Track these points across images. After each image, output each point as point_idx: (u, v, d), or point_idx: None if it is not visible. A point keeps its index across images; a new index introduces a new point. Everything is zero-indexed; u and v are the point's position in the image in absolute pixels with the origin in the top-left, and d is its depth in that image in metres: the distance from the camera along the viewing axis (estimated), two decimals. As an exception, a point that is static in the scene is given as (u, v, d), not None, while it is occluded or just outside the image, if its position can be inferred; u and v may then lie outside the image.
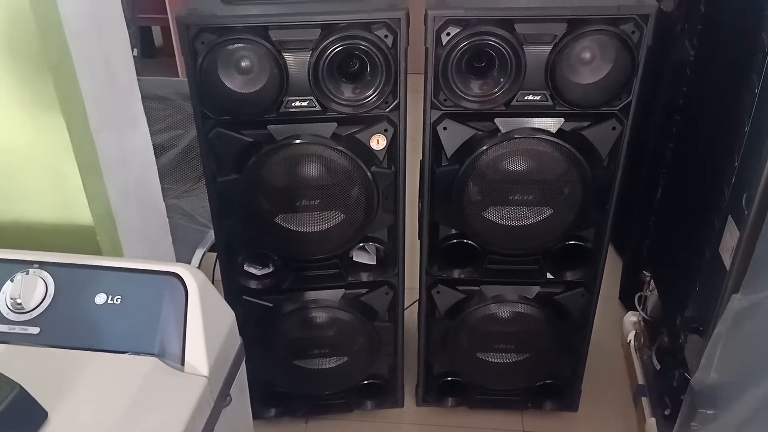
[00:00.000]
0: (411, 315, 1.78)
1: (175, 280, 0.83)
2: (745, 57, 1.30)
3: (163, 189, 1.69)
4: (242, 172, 1.42)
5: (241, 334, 1.67)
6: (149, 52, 3.57)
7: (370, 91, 1.36)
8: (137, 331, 0.82)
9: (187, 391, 0.78)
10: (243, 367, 0.96)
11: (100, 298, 0.83)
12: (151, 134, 1.72)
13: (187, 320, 0.82)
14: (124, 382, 0.78)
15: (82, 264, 0.85)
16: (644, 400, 1.79)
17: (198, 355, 0.81)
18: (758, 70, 1.25)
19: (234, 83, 1.31)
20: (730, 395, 1.26)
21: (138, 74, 1.24)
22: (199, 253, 1.82)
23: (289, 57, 1.32)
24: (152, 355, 0.80)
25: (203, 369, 0.81)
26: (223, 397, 0.86)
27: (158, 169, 1.72)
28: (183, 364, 0.81)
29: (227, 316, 0.91)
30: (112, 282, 0.84)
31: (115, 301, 0.82)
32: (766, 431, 1.11)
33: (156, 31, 3.66)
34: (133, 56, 3.01)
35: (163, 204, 1.24)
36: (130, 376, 0.78)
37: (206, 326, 0.82)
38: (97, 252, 0.99)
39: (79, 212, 0.96)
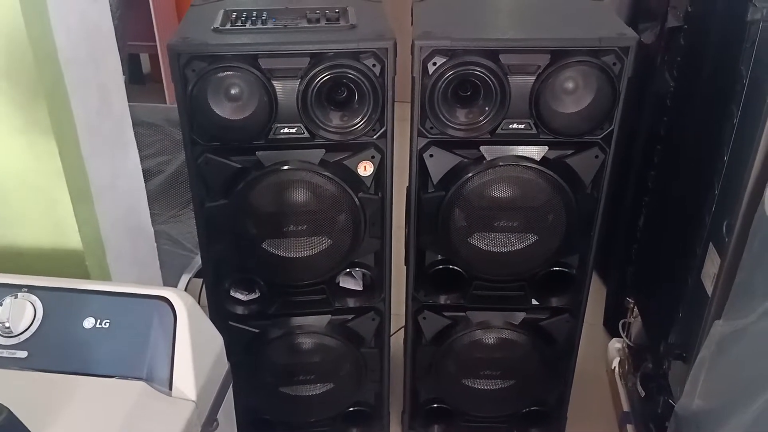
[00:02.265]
0: (397, 341, 1.79)
1: (163, 304, 0.83)
2: (724, 88, 1.34)
3: (150, 214, 1.68)
4: (230, 197, 1.43)
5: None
6: (137, 79, 3.59)
7: (358, 119, 1.38)
8: (125, 356, 0.81)
9: (174, 416, 0.78)
10: (230, 391, 0.96)
11: (89, 322, 0.83)
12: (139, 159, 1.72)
13: (175, 344, 0.82)
14: (112, 407, 0.77)
15: (70, 288, 0.85)
16: (629, 427, 1.80)
17: (186, 380, 0.81)
18: (737, 100, 1.29)
19: (223, 110, 1.33)
20: (714, 422, 1.27)
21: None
22: (185, 279, 1.81)
23: (278, 85, 1.34)
24: (140, 379, 0.80)
25: (191, 393, 0.81)
26: (210, 422, 0.85)
27: (145, 194, 1.71)
28: (171, 388, 0.81)
29: (216, 340, 0.91)
30: (101, 306, 0.84)
31: (103, 325, 0.82)
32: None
33: (144, 58, 3.68)
34: (122, 83, 3.01)
35: (152, 229, 1.24)
36: (118, 400, 0.78)
37: (194, 350, 0.82)
38: (86, 276, 0.99)
39: (69, 237, 0.96)
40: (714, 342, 1.29)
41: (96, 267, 1.00)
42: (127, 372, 0.81)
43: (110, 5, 3.03)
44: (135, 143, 1.16)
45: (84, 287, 0.85)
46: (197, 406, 0.81)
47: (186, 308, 0.84)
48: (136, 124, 1.89)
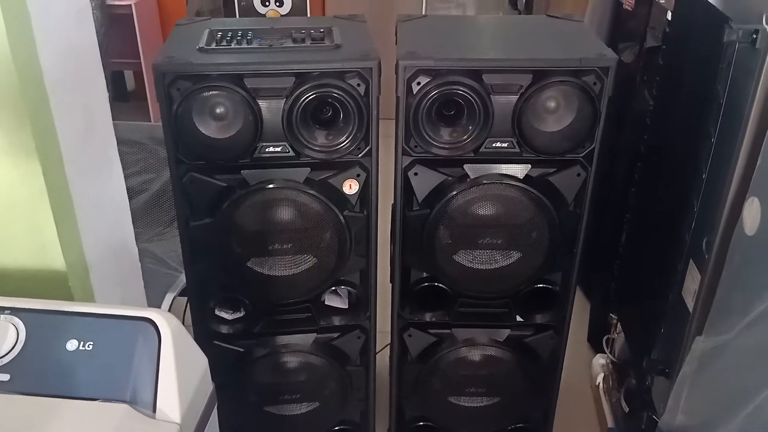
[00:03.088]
0: (383, 359, 1.78)
1: (148, 326, 0.83)
2: (702, 108, 1.36)
3: (134, 233, 1.68)
4: (215, 216, 1.43)
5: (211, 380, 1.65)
6: (121, 96, 3.58)
7: (343, 138, 1.39)
8: (109, 378, 0.81)
9: (158, 439, 0.77)
10: (215, 412, 0.95)
11: (72, 344, 0.82)
12: (124, 178, 1.72)
13: (159, 366, 0.81)
14: (96, 430, 0.77)
15: (53, 310, 0.84)
16: (614, 443, 1.80)
17: (170, 402, 0.81)
18: (714, 120, 1.32)
19: (208, 129, 1.33)
20: (697, 436, 1.28)
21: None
22: (169, 298, 1.80)
23: (263, 104, 1.34)
24: (124, 402, 0.80)
25: (175, 416, 0.81)
26: (195, 444, 0.85)
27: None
28: (155, 410, 0.80)
29: (200, 361, 0.91)
30: (84, 328, 0.83)
31: (86, 347, 0.82)
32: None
33: (128, 75, 3.68)
34: (106, 100, 2.99)
35: (136, 248, 1.24)
36: (101, 423, 0.77)
37: (179, 372, 0.82)
38: (70, 297, 0.98)
39: (53, 258, 0.95)
40: (695, 358, 1.30)
41: (79, 288, 1.00)
42: (111, 394, 0.80)
43: (94, 23, 3.04)
44: (119, 163, 1.16)
45: (67, 309, 0.85)
46: (181, 429, 0.81)
47: (170, 329, 0.84)
48: (121, 142, 1.89)
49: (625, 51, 2.08)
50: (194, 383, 0.87)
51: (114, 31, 3.13)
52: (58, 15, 0.97)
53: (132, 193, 1.93)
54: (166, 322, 0.84)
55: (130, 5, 3.14)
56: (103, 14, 3.01)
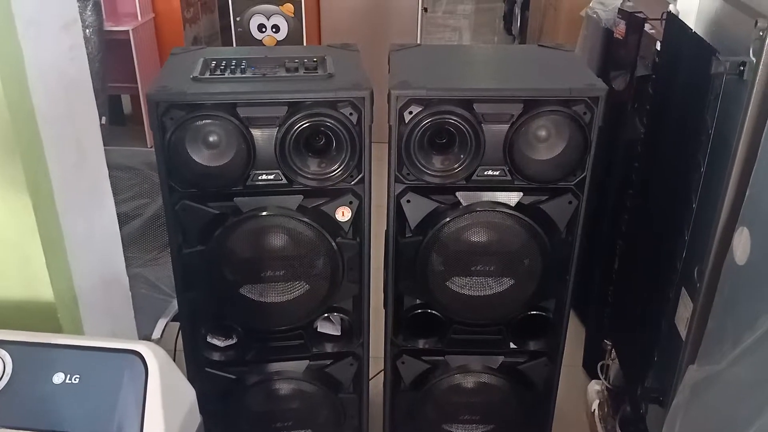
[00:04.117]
0: (376, 386, 1.77)
1: (135, 358, 0.83)
2: (691, 138, 1.37)
3: (127, 258, 1.68)
4: (208, 243, 1.43)
5: (203, 407, 1.64)
6: (118, 120, 3.60)
7: (336, 166, 1.40)
8: (95, 412, 0.80)
9: (143, 474, 0.77)
10: (202, 445, 0.95)
11: (59, 378, 0.82)
12: (117, 203, 1.72)
13: (146, 399, 0.81)
14: (80, 465, 0.76)
15: (41, 342, 0.84)
16: (609, 471, 1.79)
17: (156, 436, 0.80)
18: (703, 151, 1.33)
19: (201, 157, 1.34)
20: (690, 467, 1.27)
21: (106, 143, 1.26)
22: (161, 324, 1.80)
23: (256, 132, 1.35)
24: (109, 436, 0.79)
25: (161, 450, 0.80)
26: (181, 479, 0.84)
27: (123, 238, 1.72)
28: (140, 445, 0.80)
29: (188, 394, 0.90)
30: (71, 360, 0.83)
31: (73, 381, 0.81)
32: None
33: (125, 99, 3.70)
34: (102, 124, 3.04)
35: (127, 279, 1.24)
36: (86, 458, 0.77)
37: (165, 405, 0.82)
38: (58, 330, 0.98)
39: (42, 291, 0.95)
40: (688, 387, 1.30)
41: (68, 320, 1.00)
42: (96, 429, 0.80)
43: (91, 47, 3.06)
44: (111, 195, 1.17)
45: (55, 341, 0.85)
46: (167, 463, 0.80)
47: (158, 362, 0.84)
48: (115, 167, 1.90)
49: (616, 79, 2.10)
50: (181, 416, 0.86)
51: (111, 56, 3.16)
52: (51, 51, 0.98)
53: (126, 218, 1.93)
54: (153, 355, 0.84)
55: (127, 30, 3.18)
56: (101, 39, 3.04)
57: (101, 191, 1.13)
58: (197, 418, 0.92)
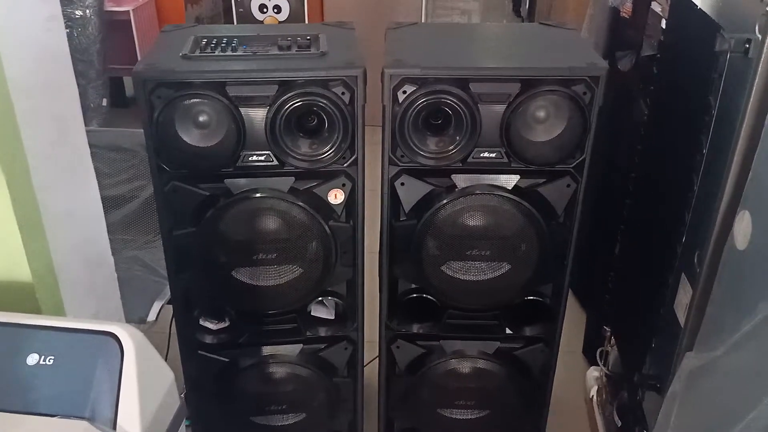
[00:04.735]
0: (371, 370, 1.76)
1: (111, 340, 0.81)
2: (694, 118, 1.34)
3: (123, 240, 1.67)
4: (199, 225, 1.41)
5: (196, 390, 1.64)
6: (120, 102, 3.58)
7: (327, 147, 1.37)
8: (69, 394, 0.79)
9: (117, 457, 0.75)
10: (183, 428, 0.93)
11: (32, 359, 0.80)
12: (113, 186, 1.71)
13: (121, 382, 0.79)
14: (52, 448, 0.75)
15: (14, 323, 0.83)
16: (607, 458, 1.77)
17: (131, 419, 0.79)
18: (706, 131, 1.29)
19: (191, 137, 1.31)
20: (686, 455, 1.25)
21: (107, 125, 1.24)
22: (157, 306, 1.79)
23: (246, 112, 1.33)
24: (83, 418, 0.78)
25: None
26: (158, 462, 0.83)
27: (119, 221, 1.70)
28: (115, 427, 0.78)
29: (166, 376, 0.89)
30: (46, 342, 0.81)
31: (47, 362, 0.80)
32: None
33: (127, 81, 3.68)
34: (103, 106, 3.02)
35: (112, 260, 1.22)
36: (58, 441, 0.76)
37: (142, 388, 0.80)
38: (37, 310, 0.97)
39: (19, 270, 0.94)
40: (685, 374, 1.27)
41: (48, 300, 0.98)
42: (70, 411, 0.78)
43: (92, 28, 3.03)
44: (93, 173, 1.14)
45: (28, 322, 0.83)
46: (142, 446, 0.79)
47: (134, 344, 0.82)
48: (110, 149, 1.88)
49: (622, 59, 2.06)
50: (158, 399, 0.85)
51: (112, 37, 3.13)
52: (25, 21, 0.95)
53: (122, 200, 1.92)
54: (129, 337, 0.82)
55: (128, 11, 3.15)
56: (101, 20, 3.01)
57: (83, 169, 1.11)
58: (176, 401, 0.90)
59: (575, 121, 1.37)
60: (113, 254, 1.42)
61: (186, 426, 1.71)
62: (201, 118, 1.30)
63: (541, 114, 1.37)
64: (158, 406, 0.84)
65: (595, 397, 1.95)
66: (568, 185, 1.46)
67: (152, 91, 1.28)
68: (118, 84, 3.60)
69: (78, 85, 1.11)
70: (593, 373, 2.02)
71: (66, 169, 1.07)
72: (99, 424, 0.78)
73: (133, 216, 1.92)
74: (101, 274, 1.19)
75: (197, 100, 1.29)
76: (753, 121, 1.17)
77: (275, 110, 1.32)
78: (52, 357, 0.81)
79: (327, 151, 1.37)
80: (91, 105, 2.89)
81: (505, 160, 1.43)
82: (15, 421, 0.78)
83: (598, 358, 1.90)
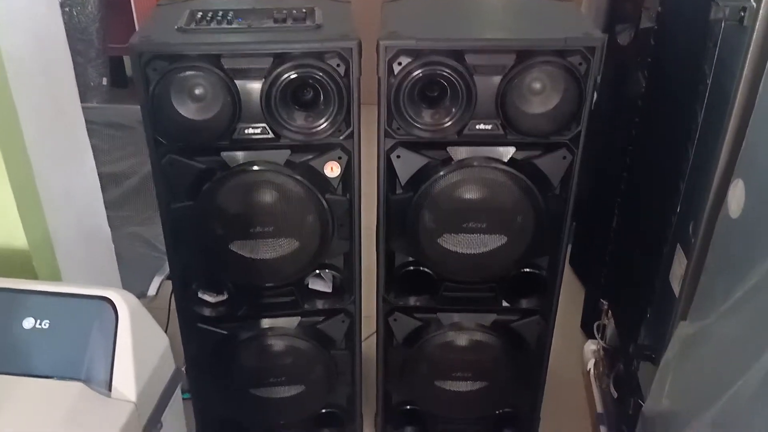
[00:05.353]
0: (369, 343, 1.78)
1: (105, 305, 0.82)
2: (689, 88, 1.33)
3: (123, 217, 1.68)
4: (196, 198, 1.42)
5: (196, 363, 1.66)
6: (120, 82, 3.57)
7: (323, 120, 1.37)
8: (64, 356, 0.81)
9: (112, 417, 0.77)
10: (178, 393, 0.95)
11: (28, 323, 0.82)
12: (112, 162, 1.72)
13: (116, 345, 0.81)
14: (49, 408, 0.76)
15: (10, 288, 0.84)
16: (603, 429, 1.79)
17: (126, 381, 0.80)
18: (700, 101, 1.29)
19: (187, 110, 1.32)
20: (679, 422, 1.26)
21: (106, 104, 1.24)
22: (157, 281, 1.80)
23: (241, 85, 1.33)
24: (78, 380, 0.79)
25: (131, 395, 0.80)
26: (154, 424, 0.84)
27: (118, 197, 1.71)
28: (110, 389, 0.80)
29: (161, 341, 0.90)
30: (41, 306, 0.83)
31: (42, 326, 0.81)
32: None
33: (127, 60, 3.66)
34: (103, 85, 3.01)
35: (109, 232, 1.23)
36: (55, 401, 0.77)
37: (136, 351, 0.82)
38: (34, 277, 0.98)
39: (16, 238, 0.95)
40: (678, 343, 1.29)
41: (45, 268, 0.99)
42: (65, 373, 0.80)
43: (91, 6, 3.02)
44: (89, 147, 1.15)
45: (24, 287, 0.84)
46: (137, 408, 0.80)
47: (129, 309, 0.83)
48: (109, 125, 1.89)
49: (621, 33, 2.05)
50: (153, 363, 0.86)
51: (112, 16, 3.12)
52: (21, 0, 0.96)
53: (121, 177, 1.93)
54: (124, 302, 0.83)
55: (128, -11, 3.13)
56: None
57: (80, 143, 1.12)
58: (172, 366, 0.92)
59: (571, 93, 1.37)
60: (113, 231, 1.43)
61: (185, 399, 1.74)
62: (196, 91, 1.30)
63: (537, 85, 1.37)
64: (153, 370, 0.86)
65: (592, 370, 1.97)
66: (564, 157, 1.46)
67: (147, 63, 1.28)
68: (118, 63, 3.59)
69: (77, 64, 1.12)
70: (590, 346, 2.03)
71: (62, 144, 1.08)
72: (94, 385, 0.80)
73: (132, 192, 1.93)
74: (98, 246, 1.20)
75: (192, 72, 1.29)
76: (747, 89, 1.17)
77: (270, 82, 1.32)
78: (48, 321, 0.82)
79: (323, 124, 1.38)
80: (91, 84, 2.89)
81: (501, 132, 1.43)
82: (11, 383, 0.79)
83: (595, 331, 1.91)
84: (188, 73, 1.29)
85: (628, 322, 1.65)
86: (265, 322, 1.62)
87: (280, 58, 1.32)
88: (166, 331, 1.70)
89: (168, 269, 1.83)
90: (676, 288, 1.39)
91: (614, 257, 1.86)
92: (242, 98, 1.34)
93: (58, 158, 1.05)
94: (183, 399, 1.71)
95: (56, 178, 1.04)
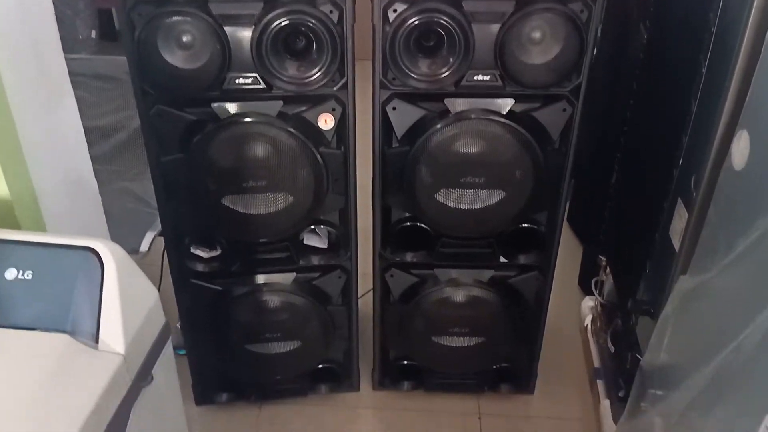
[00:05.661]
0: (366, 299, 1.77)
1: (90, 255, 0.80)
2: (693, 37, 1.29)
3: (113, 172, 1.64)
4: (186, 151, 1.38)
5: (190, 320, 1.64)
6: (109, 35, 3.47)
7: (316, 69, 1.33)
8: (48, 308, 0.78)
9: (100, 369, 0.75)
10: (169, 347, 0.93)
11: (11, 273, 0.79)
12: (101, 116, 1.67)
13: (102, 297, 0.78)
14: (34, 360, 0.74)
15: (-8, 238, 0.81)
16: (599, 383, 1.79)
17: (114, 333, 0.78)
18: (705, 50, 1.25)
19: (174, 58, 1.27)
20: (678, 375, 1.26)
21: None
22: (149, 237, 1.78)
23: (231, 32, 1.28)
24: (64, 332, 0.77)
25: (119, 347, 0.78)
26: (143, 377, 0.83)
27: (108, 152, 1.67)
28: (97, 341, 0.78)
29: (150, 294, 0.88)
30: (24, 257, 0.80)
31: (26, 276, 0.79)
32: (711, 411, 1.11)
33: (117, 13, 3.57)
34: (91, 38, 2.93)
35: (95, 183, 1.20)
36: (40, 353, 0.75)
37: (124, 303, 0.79)
38: (17, 227, 0.95)
39: (-5, 186, 0.92)
40: (678, 297, 1.27)
41: (28, 219, 0.96)
42: (50, 325, 0.78)
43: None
44: (72, 94, 1.11)
45: (5, 237, 0.82)
46: (126, 361, 0.78)
47: (115, 260, 0.81)
48: (97, 77, 1.84)
49: (625, -17, 1.98)
50: (141, 316, 0.84)
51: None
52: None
53: (110, 131, 1.89)
54: (109, 253, 0.81)
55: (116, -61, 3.02)
56: (87, -51, 2.90)
57: (62, 91, 1.08)
58: (161, 319, 0.90)
59: (572, 42, 1.33)
60: (102, 186, 1.40)
61: (181, 355, 1.73)
62: (184, 38, 1.26)
63: (537, 34, 1.33)
64: (142, 322, 0.84)
65: (589, 326, 1.97)
66: (564, 109, 1.42)
67: (132, 7, 1.24)
68: (108, 16, 3.49)
69: (66, 16, 1.08)
70: (588, 302, 2.03)
71: (43, 91, 1.04)
72: (80, 338, 0.78)
73: (122, 147, 1.89)
74: (84, 196, 1.17)
75: (179, 18, 1.24)
76: (753, 37, 1.13)
77: (261, 29, 1.27)
78: (31, 272, 0.80)
79: (316, 74, 1.34)
80: (80, 37, 2.81)
81: (500, 83, 1.39)
82: (-5, 334, 0.77)
83: (593, 287, 1.90)
84: (175, 18, 1.24)
85: (627, 278, 1.63)
86: (260, 278, 1.61)
87: (270, 4, 1.27)
88: (159, 288, 1.69)
89: (160, 225, 1.81)
90: (676, 242, 1.37)
91: (614, 213, 1.84)
92: (232, 46, 1.29)
93: (39, 104, 1.01)
94: (179, 355, 1.72)
95: (37, 125, 1.00)
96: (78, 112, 1.13)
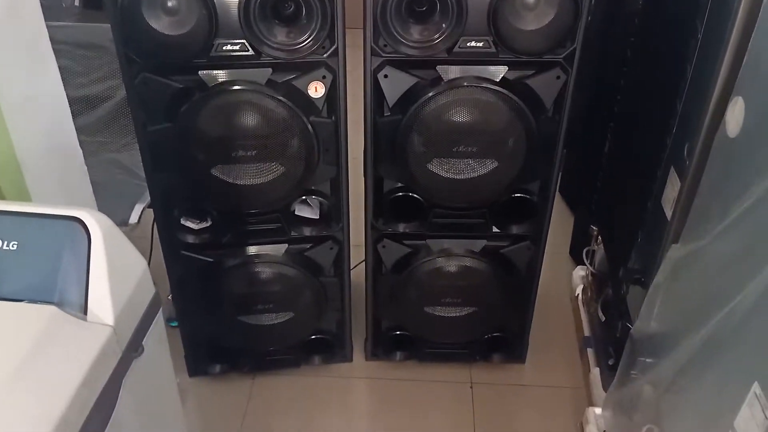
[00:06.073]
0: (358, 270, 1.76)
1: (77, 226, 0.78)
2: (689, 2, 1.27)
3: (100, 143, 1.62)
4: (174, 120, 1.36)
5: (181, 291, 1.63)
6: (93, 2, 3.40)
7: (305, 36, 1.30)
8: (35, 279, 0.77)
9: (89, 341, 0.74)
10: (160, 317, 0.92)
11: (-5, 244, 0.78)
12: (86, 85, 1.64)
13: (90, 267, 0.77)
14: (21, 331, 0.73)
15: (-26, 208, 0.79)
16: (590, 351, 1.80)
17: (102, 304, 0.77)
18: (701, 14, 1.23)
19: (160, 24, 1.24)
20: (668, 343, 1.26)
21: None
22: (138, 209, 1.76)
23: (218, -4, 1.25)
24: (51, 303, 0.76)
25: (108, 318, 0.77)
26: (134, 348, 0.82)
27: (94, 122, 1.64)
28: (86, 312, 0.77)
29: (138, 264, 0.86)
30: (8, 227, 0.78)
31: (10, 247, 0.77)
32: (701, 378, 1.12)
33: (102, -19, 3.49)
34: (75, 6, 2.84)
35: (80, 150, 1.17)
36: (27, 324, 0.74)
37: (112, 274, 0.78)
38: (0, 199, 0.93)
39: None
40: (670, 265, 1.27)
41: (12, 187, 0.94)
42: (37, 296, 0.76)
43: None
44: (54, 57, 1.08)
45: (-11, 207, 0.80)
46: (115, 331, 0.77)
47: (101, 230, 0.79)
48: (81, 46, 1.80)
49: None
50: (130, 286, 0.83)
51: (82, -68, 2.94)
52: None
53: (96, 100, 1.85)
54: (96, 222, 0.79)
55: None
56: None
57: (42, 55, 1.05)
58: (151, 290, 0.88)
59: (566, 7, 1.30)
60: (89, 157, 1.37)
61: (174, 327, 1.73)
62: (169, 3, 1.23)
63: (531, -1, 1.30)
64: (131, 293, 0.83)
65: (580, 296, 1.97)
66: (558, 77, 1.40)
67: (115, -27, 1.20)
68: (92, -15, 3.42)
69: (48, -18, 1.04)
70: (579, 272, 2.03)
71: (21, 54, 1.01)
72: (68, 309, 0.76)
73: (108, 117, 1.85)
74: (69, 163, 1.15)
75: (164, -18, 1.20)
76: (750, 3, 1.11)
77: (248, -6, 1.24)
78: (15, 242, 0.78)
79: (305, 40, 1.31)
80: (63, 5, 2.74)
81: (493, 49, 1.36)
82: (-20, 306, 0.76)
83: (584, 257, 1.90)
84: (160, -18, 1.20)
85: (619, 247, 1.63)
86: (252, 250, 1.59)
87: (258, -32, 1.23)
88: (149, 261, 1.68)
89: (149, 197, 1.79)
90: (668, 211, 1.36)
91: (606, 182, 1.83)
92: (219, 11, 1.26)
93: (17, 68, 0.98)
94: (172, 327, 1.71)
95: (16, 89, 0.97)
96: (61, 81, 1.10)
